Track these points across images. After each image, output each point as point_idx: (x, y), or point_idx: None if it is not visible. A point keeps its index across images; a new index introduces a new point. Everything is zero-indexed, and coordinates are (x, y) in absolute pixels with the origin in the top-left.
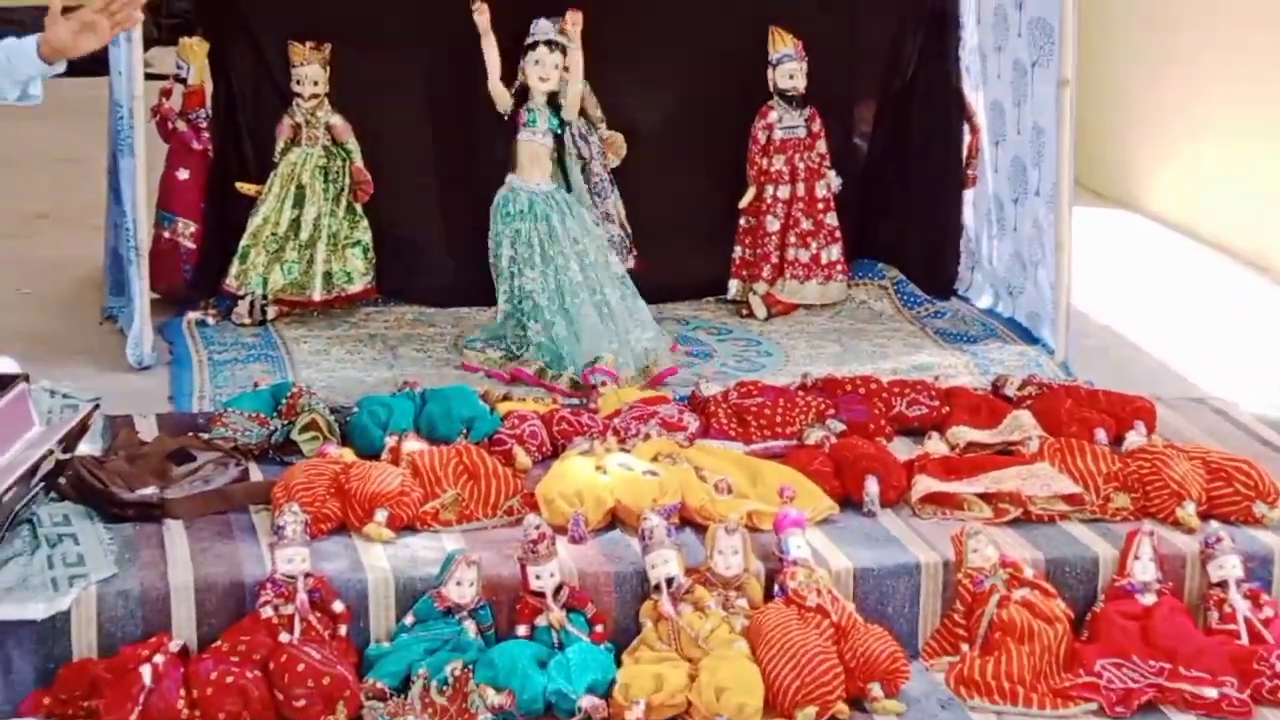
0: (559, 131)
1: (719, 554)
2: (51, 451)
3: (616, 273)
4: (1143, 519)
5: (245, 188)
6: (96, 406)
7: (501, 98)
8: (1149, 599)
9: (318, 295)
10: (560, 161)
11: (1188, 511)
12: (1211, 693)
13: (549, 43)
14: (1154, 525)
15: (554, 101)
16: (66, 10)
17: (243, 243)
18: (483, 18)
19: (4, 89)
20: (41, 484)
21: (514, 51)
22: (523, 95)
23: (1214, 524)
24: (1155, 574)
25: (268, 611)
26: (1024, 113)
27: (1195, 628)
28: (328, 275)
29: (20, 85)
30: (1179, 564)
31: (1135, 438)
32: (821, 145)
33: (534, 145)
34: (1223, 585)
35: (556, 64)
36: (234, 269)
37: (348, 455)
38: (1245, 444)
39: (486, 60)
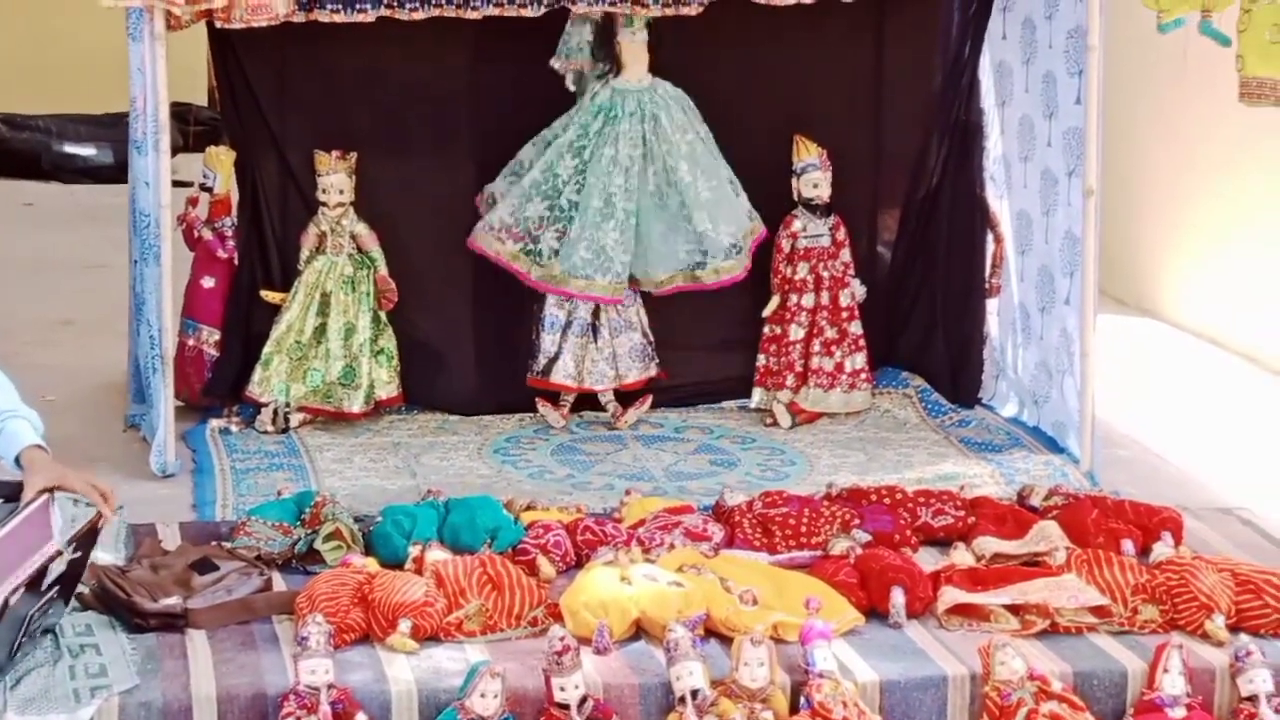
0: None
1: (744, 666)
2: (60, 552)
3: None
4: (1171, 631)
5: (270, 295)
6: (100, 514)
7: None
8: (1178, 713)
9: (358, 408)
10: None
11: (1217, 624)
12: None
13: None
14: (1183, 638)
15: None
16: None
17: (266, 350)
18: None
19: None
20: (56, 589)
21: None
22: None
23: (1244, 637)
24: (1185, 687)
25: None
26: (1054, 221)
27: None
28: (359, 387)
29: None
30: (1208, 677)
31: (1163, 549)
32: (845, 254)
33: (634, 45)
34: (1253, 699)
35: None
36: (257, 376)
37: (371, 565)
38: (1274, 555)
39: None
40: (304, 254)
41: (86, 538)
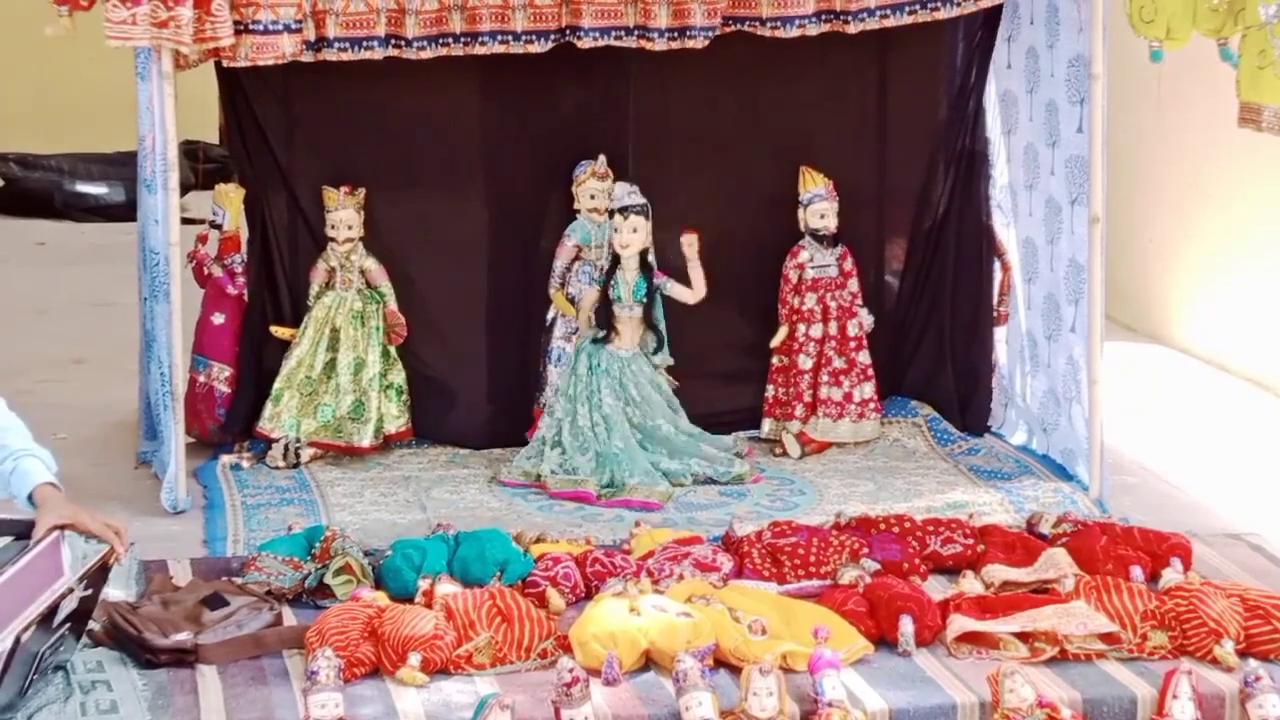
0: (645, 300)
1: (754, 695)
2: (71, 589)
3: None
4: (1181, 657)
5: (280, 331)
6: (112, 550)
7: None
8: None
9: (368, 442)
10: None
11: (1226, 649)
12: None
13: (624, 210)
14: (1192, 664)
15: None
16: None
17: (276, 386)
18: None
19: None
20: (67, 626)
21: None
22: (614, 260)
23: (1253, 662)
24: (1194, 713)
25: None
26: (1059, 249)
27: None
28: (369, 421)
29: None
30: (1218, 703)
31: (1172, 575)
32: (853, 284)
33: (629, 319)
34: None
35: (635, 228)
36: (267, 412)
37: (381, 599)
38: None
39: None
40: (313, 289)
41: (97, 575)
